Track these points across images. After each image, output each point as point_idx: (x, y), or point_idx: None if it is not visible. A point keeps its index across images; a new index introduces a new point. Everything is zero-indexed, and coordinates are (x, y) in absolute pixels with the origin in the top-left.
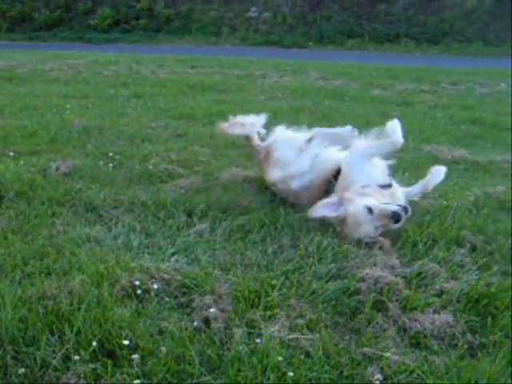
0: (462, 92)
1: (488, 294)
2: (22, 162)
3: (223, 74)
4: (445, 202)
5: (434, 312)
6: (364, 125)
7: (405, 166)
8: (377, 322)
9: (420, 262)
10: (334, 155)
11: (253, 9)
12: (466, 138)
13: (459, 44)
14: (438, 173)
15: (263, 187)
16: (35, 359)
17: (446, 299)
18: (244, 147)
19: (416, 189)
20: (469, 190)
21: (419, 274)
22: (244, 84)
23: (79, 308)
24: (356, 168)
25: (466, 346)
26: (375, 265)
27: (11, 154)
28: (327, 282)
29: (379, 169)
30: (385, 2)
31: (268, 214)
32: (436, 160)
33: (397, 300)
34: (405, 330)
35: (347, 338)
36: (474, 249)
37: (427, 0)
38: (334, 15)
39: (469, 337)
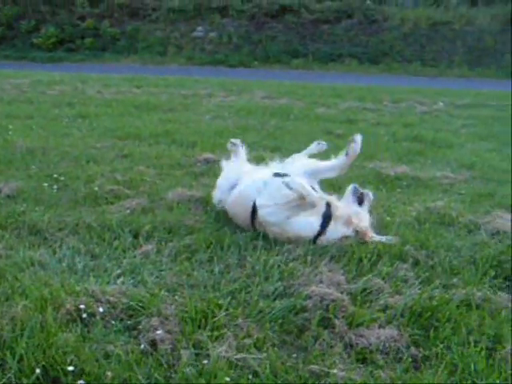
0: (402, 110)
1: (430, 308)
2: None
3: (169, 94)
4: (388, 218)
5: (380, 327)
6: (309, 142)
7: (349, 182)
8: (323, 339)
9: (365, 278)
10: None
11: (199, 28)
12: (408, 154)
13: (399, 64)
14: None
15: (209, 207)
16: None
17: (390, 314)
18: (189, 167)
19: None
20: (411, 206)
21: (364, 289)
22: (190, 103)
23: (22, 334)
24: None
25: (410, 360)
26: (321, 282)
27: None
28: (274, 300)
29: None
30: (328, 22)
31: (214, 233)
32: (379, 176)
33: (343, 316)
34: (351, 346)
35: (294, 355)
36: (416, 263)
37: (368, 22)
38: (278, 35)
39: (413, 350)
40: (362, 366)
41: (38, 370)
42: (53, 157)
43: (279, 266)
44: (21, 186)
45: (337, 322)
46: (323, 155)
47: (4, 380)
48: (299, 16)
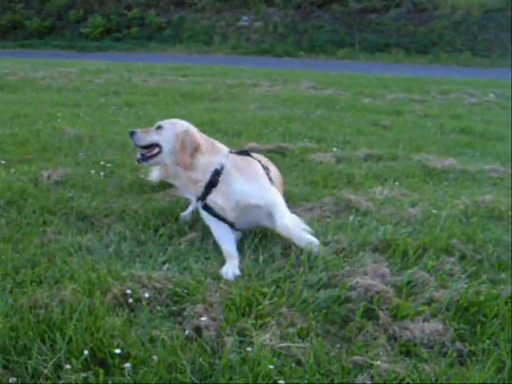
0: (451, 102)
1: (477, 303)
2: (13, 171)
3: (215, 83)
4: (435, 211)
5: (424, 320)
6: (355, 133)
7: (395, 174)
8: (367, 331)
9: (410, 271)
10: None
11: (244, 18)
12: (456, 147)
13: (448, 54)
14: None
15: None
16: (26, 368)
17: (435, 307)
18: None
19: None
20: (458, 199)
21: (409, 282)
22: (235, 93)
23: (71, 317)
24: None
25: (455, 354)
26: (366, 273)
27: (2, 162)
28: (318, 290)
29: None
30: (375, 12)
31: None
32: (426, 169)
33: (387, 308)
34: (395, 339)
35: (338, 346)
36: (463, 257)
37: (416, 11)
38: (325, 25)
39: (458, 345)
40: (405, 358)
41: (86, 352)
42: (100, 144)
43: (323, 256)
44: (69, 173)
45: (381, 313)
46: (370, 145)
47: (54, 359)
48: (346, 5)
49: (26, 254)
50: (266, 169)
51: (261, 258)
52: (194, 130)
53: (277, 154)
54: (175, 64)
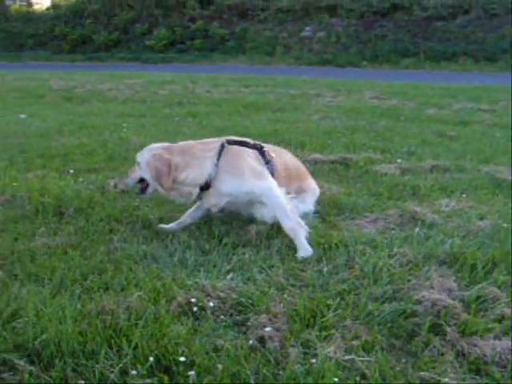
0: None
1: None
2: (81, 179)
3: (277, 94)
4: (505, 225)
5: (495, 338)
6: (420, 144)
7: (462, 186)
8: (434, 346)
9: (479, 286)
10: None
11: (307, 28)
12: None
13: None
14: None
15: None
16: (94, 372)
17: (507, 325)
18: None
19: None
20: None
21: (478, 297)
22: (298, 103)
23: (137, 324)
24: None
25: None
26: (432, 287)
27: (71, 171)
28: (383, 303)
29: None
30: (441, 19)
31: (322, 233)
32: (495, 181)
33: (455, 324)
34: (464, 355)
35: (404, 361)
36: None
37: (487, 16)
38: (388, 34)
39: None
40: (475, 376)
41: (151, 359)
42: None
43: (388, 269)
44: None
45: (448, 329)
46: (436, 156)
47: (120, 365)
48: (411, 13)
49: (94, 261)
50: (266, 157)
51: (325, 269)
52: (161, 152)
53: (340, 165)
54: (238, 75)
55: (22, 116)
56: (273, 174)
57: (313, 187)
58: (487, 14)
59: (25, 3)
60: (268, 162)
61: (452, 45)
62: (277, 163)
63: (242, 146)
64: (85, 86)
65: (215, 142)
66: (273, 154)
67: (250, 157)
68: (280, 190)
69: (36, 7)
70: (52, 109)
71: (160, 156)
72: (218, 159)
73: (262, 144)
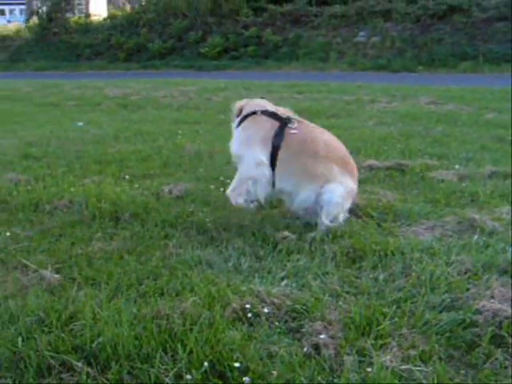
0: None
1: None
2: (136, 185)
3: (331, 100)
4: None
5: None
6: (479, 150)
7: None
8: (496, 358)
9: None
10: None
11: (361, 33)
12: None
13: None
14: None
15: (372, 212)
16: (149, 376)
17: None
18: None
19: None
20: None
21: None
22: (353, 109)
23: (191, 329)
24: None
25: None
26: (492, 297)
27: (127, 177)
28: (441, 312)
29: None
30: (502, 20)
31: (377, 240)
32: None
33: None
34: None
35: (463, 372)
36: None
37: None
38: (445, 37)
39: None
40: None
41: (206, 364)
42: (219, 160)
43: (446, 277)
44: (189, 188)
45: (511, 340)
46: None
47: (175, 369)
48: (469, 15)
49: (149, 266)
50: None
51: (381, 276)
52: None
53: (396, 172)
54: (291, 81)
55: (79, 123)
56: (278, 147)
57: (348, 184)
58: None
59: (83, 15)
60: (277, 135)
61: None
62: (294, 138)
63: (271, 116)
64: (139, 93)
65: (251, 109)
66: (294, 131)
67: (258, 126)
68: (253, 160)
69: (93, 18)
70: (108, 116)
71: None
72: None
73: (295, 118)
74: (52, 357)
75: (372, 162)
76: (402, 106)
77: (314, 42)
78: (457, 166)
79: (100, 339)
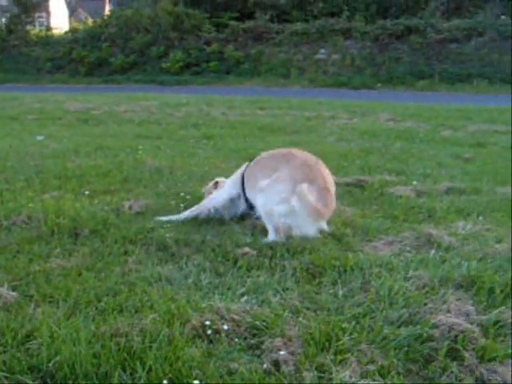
0: None
1: None
2: (96, 201)
3: (292, 116)
4: None
5: None
6: (435, 166)
7: (479, 209)
8: (452, 372)
9: (497, 310)
10: None
11: (322, 51)
12: None
13: None
14: None
15: (333, 226)
16: None
17: None
18: None
19: None
20: None
21: (497, 322)
22: (313, 125)
23: (151, 346)
24: None
25: None
26: (449, 311)
27: (86, 192)
28: (399, 327)
29: None
30: (456, 42)
31: (337, 255)
32: None
33: (473, 349)
34: (483, 382)
35: None
36: None
37: (502, 38)
38: (403, 56)
39: None
40: None
41: (165, 382)
42: (179, 176)
43: (404, 292)
44: (150, 204)
45: (466, 354)
46: (451, 178)
47: None
48: (425, 36)
49: (108, 283)
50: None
51: (340, 292)
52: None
53: (355, 188)
54: (253, 97)
55: (39, 137)
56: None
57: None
58: (501, 37)
59: (44, 28)
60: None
61: (467, 67)
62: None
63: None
64: (101, 107)
65: None
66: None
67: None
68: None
69: (55, 32)
70: (68, 130)
71: None
72: None
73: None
74: (6, 377)
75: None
76: (361, 123)
77: (276, 59)
78: (414, 182)
79: (57, 358)
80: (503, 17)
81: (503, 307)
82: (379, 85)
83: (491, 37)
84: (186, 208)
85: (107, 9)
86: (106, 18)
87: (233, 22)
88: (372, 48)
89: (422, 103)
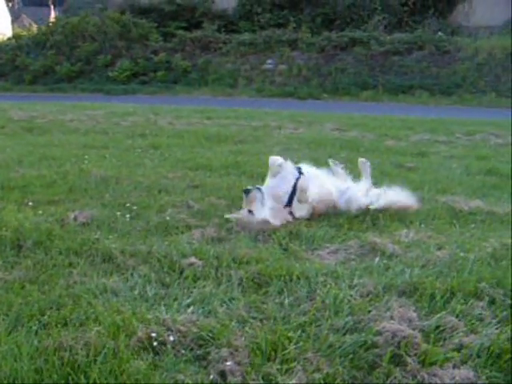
0: (476, 143)
1: (510, 349)
2: (40, 212)
3: (239, 125)
4: (462, 254)
5: (454, 367)
6: (379, 175)
7: (421, 217)
8: (395, 377)
9: (438, 315)
10: None
11: (268, 61)
12: (482, 188)
13: (472, 95)
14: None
15: (276, 238)
16: None
17: (465, 354)
18: None
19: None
20: (486, 242)
21: (437, 327)
22: (260, 135)
23: (95, 360)
24: None
25: None
26: (392, 318)
27: (30, 203)
28: (344, 335)
29: None
30: (398, 54)
31: (283, 265)
32: (452, 211)
33: (415, 354)
34: None
35: None
36: (493, 302)
37: (439, 53)
38: (348, 67)
39: None
40: None
41: None
42: (126, 186)
43: (349, 300)
44: (95, 214)
45: (409, 359)
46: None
47: None
48: (369, 48)
49: (52, 296)
50: None
51: (286, 301)
52: None
53: None
54: (200, 107)
55: None
56: None
57: None
58: (439, 51)
59: None
60: None
61: (409, 78)
62: None
63: None
64: (46, 116)
65: None
66: None
67: None
68: None
69: None
70: (12, 140)
71: None
72: None
73: None
74: None
75: None
76: (308, 133)
77: (223, 68)
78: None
79: None
80: (440, 33)
81: (443, 312)
82: (325, 95)
83: (430, 51)
84: (131, 218)
85: (52, 16)
86: (51, 25)
87: (180, 32)
88: (318, 59)
89: (367, 113)
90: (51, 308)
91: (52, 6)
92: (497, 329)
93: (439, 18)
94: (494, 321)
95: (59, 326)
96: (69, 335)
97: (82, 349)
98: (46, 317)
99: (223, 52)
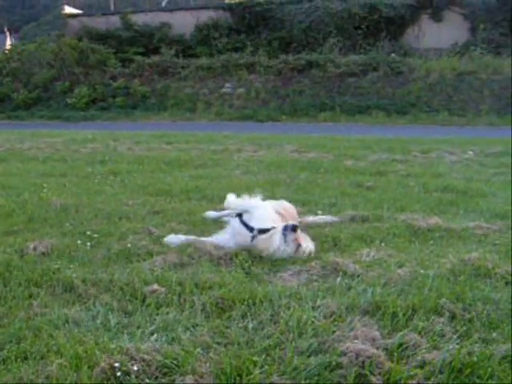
0: (432, 160)
1: (470, 364)
2: None
3: (199, 150)
4: (422, 271)
5: None
6: (339, 195)
7: (381, 235)
8: None
9: (401, 333)
10: None
11: (227, 85)
12: (439, 205)
13: (426, 114)
14: None
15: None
16: None
17: (428, 370)
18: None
19: None
20: (445, 258)
21: (400, 345)
22: (220, 159)
23: None
24: None
25: None
26: (356, 337)
27: None
28: (309, 356)
29: None
30: (354, 75)
31: (246, 288)
32: (411, 228)
33: (379, 373)
34: None
35: None
36: (453, 317)
37: (393, 74)
38: (305, 89)
39: None
40: None
41: None
42: (86, 214)
43: (313, 321)
44: (55, 244)
45: (373, 378)
46: (355, 206)
47: None
48: (325, 70)
49: (11, 329)
50: None
51: (250, 325)
52: None
53: None
54: (160, 132)
55: None
56: None
57: None
58: (393, 72)
59: None
60: None
61: (365, 99)
62: None
63: None
64: (3, 145)
65: None
66: None
67: None
68: None
69: None
70: None
71: None
72: None
73: None
74: None
75: None
76: (267, 155)
77: (182, 93)
78: (320, 212)
79: None
80: (393, 54)
81: (406, 330)
82: (284, 117)
83: (385, 72)
84: (92, 246)
85: (8, 43)
86: (7, 52)
87: (138, 57)
88: (276, 81)
89: (325, 134)
90: (11, 342)
91: (8, 34)
92: (457, 344)
93: (391, 41)
94: (454, 336)
95: (19, 360)
96: (29, 369)
97: (43, 383)
98: (5, 351)
99: (181, 77)
